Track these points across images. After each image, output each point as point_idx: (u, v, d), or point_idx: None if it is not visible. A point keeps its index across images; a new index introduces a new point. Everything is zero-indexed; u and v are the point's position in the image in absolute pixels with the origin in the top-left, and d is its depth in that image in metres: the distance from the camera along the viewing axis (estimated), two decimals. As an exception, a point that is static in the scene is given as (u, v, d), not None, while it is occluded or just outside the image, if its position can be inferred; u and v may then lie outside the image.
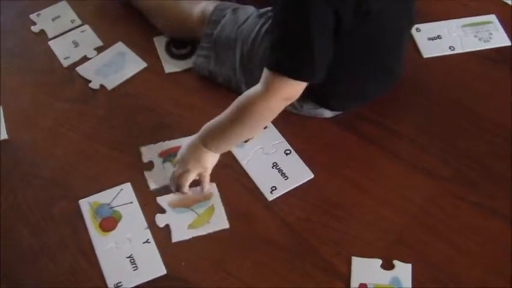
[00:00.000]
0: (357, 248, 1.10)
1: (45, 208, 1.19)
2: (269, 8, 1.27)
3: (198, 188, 1.17)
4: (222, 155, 1.17)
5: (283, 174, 1.18)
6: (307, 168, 1.19)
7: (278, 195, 1.17)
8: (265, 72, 1.05)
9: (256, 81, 1.09)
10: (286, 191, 1.17)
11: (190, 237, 1.13)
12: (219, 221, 1.14)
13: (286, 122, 1.24)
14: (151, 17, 1.44)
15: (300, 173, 1.18)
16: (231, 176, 1.20)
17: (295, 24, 1.00)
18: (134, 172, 1.21)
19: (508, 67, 1.33)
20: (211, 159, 1.15)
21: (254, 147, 1.22)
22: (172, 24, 1.41)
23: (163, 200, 1.18)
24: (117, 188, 1.19)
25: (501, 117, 1.25)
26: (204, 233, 1.13)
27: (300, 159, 1.20)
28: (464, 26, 1.40)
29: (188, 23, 1.36)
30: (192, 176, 1.15)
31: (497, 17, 1.41)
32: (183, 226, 1.14)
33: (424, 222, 1.13)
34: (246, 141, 1.22)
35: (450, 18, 1.41)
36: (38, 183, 1.22)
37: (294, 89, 1.06)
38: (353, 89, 1.21)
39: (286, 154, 1.21)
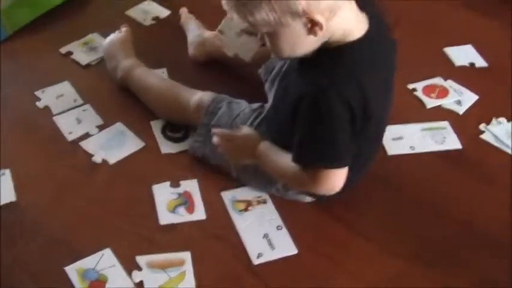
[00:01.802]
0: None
1: (47, 264, 1.29)
2: (260, 104, 1.46)
3: None
4: (217, 225, 1.36)
5: (271, 245, 1.32)
6: (293, 244, 1.33)
7: (263, 261, 1.30)
8: (313, 170, 1.24)
9: (246, 169, 1.36)
10: (271, 259, 1.31)
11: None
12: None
13: (281, 202, 1.41)
14: (149, 104, 1.58)
15: (285, 247, 1.33)
16: (224, 240, 1.34)
17: (318, 122, 1.17)
18: (133, 236, 1.34)
19: (459, 166, 1.52)
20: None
21: (251, 218, 1.37)
22: (170, 112, 1.55)
23: (141, 259, 1.30)
24: (99, 254, 1.30)
25: (455, 207, 1.43)
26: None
27: (289, 236, 1.34)
28: (423, 130, 1.58)
29: (185, 112, 1.51)
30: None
31: (450, 124, 1.60)
32: (154, 286, 1.26)
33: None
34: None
35: (411, 123, 1.60)
36: (41, 241, 1.33)
37: (339, 178, 1.25)
38: None
39: (278, 229, 1.36)
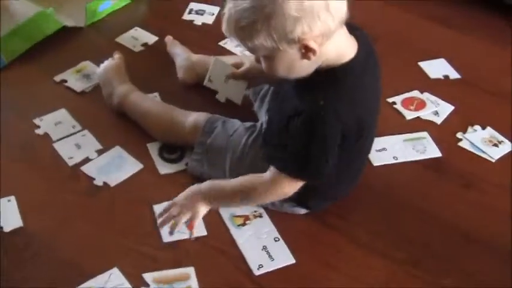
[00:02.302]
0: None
1: (58, 286, 1.35)
2: (252, 123, 1.55)
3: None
4: (218, 240, 1.44)
5: (270, 257, 1.40)
6: (290, 254, 1.41)
7: (264, 272, 1.38)
8: (277, 174, 1.31)
9: None
10: (271, 269, 1.39)
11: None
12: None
13: (277, 215, 1.49)
14: (146, 127, 1.64)
15: (284, 257, 1.41)
16: (225, 254, 1.42)
17: (317, 143, 1.25)
18: (138, 255, 1.41)
19: (441, 173, 1.62)
20: (204, 210, 1.39)
21: (250, 231, 1.45)
22: (167, 134, 1.62)
23: (148, 276, 1.37)
24: (107, 273, 1.36)
25: (435, 210, 1.53)
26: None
27: (286, 246, 1.42)
28: (404, 140, 1.68)
29: (181, 133, 1.58)
30: (184, 219, 1.37)
31: (429, 134, 1.70)
32: (162, 301, 1.35)
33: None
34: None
35: (393, 134, 1.69)
36: (51, 264, 1.39)
37: (296, 187, 1.34)
38: (332, 193, 1.46)
39: (275, 241, 1.44)
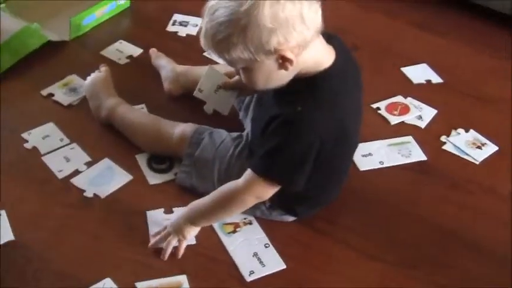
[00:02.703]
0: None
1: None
2: (239, 134, 1.57)
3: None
4: (209, 248, 1.45)
5: (261, 263, 1.42)
6: (281, 260, 1.43)
7: (255, 278, 1.40)
8: (250, 174, 1.33)
9: None
10: (262, 275, 1.41)
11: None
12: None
13: (266, 222, 1.51)
14: (134, 139, 1.65)
15: (274, 263, 1.43)
16: (216, 261, 1.43)
17: (291, 147, 1.27)
18: (131, 264, 1.42)
19: (426, 176, 1.66)
20: (192, 231, 1.43)
21: (240, 238, 1.47)
22: (155, 146, 1.63)
23: (141, 285, 1.37)
24: (100, 283, 1.37)
25: (423, 212, 1.57)
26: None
27: (276, 252, 1.44)
28: (389, 145, 1.71)
29: (169, 144, 1.59)
30: (174, 241, 1.42)
31: (414, 138, 1.74)
32: (155, 310, 1.36)
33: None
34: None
35: (378, 139, 1.72)
36: (45, 275, 1.39)
37: (270, 191, 1.35)
38: (319, 199, 1.48)
39: (266, 247, 1.46)
